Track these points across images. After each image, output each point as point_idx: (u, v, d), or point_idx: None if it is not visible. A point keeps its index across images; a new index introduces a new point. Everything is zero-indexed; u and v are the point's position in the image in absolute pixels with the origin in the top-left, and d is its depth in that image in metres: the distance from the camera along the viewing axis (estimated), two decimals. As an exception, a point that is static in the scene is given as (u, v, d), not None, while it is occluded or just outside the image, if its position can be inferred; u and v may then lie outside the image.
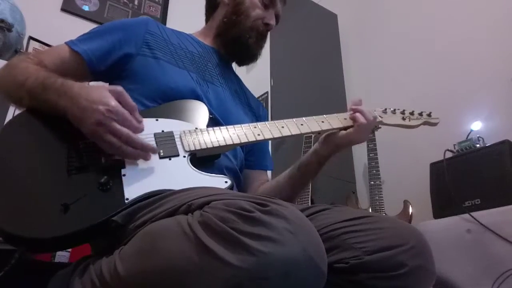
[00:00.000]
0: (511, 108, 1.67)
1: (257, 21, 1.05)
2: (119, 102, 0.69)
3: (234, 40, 1.05)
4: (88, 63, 0.85)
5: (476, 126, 1.67)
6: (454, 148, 1.61)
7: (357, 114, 0.90)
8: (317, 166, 0.95)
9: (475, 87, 1.84)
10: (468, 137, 1.60)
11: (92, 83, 0.84)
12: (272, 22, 1.07)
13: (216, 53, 1.07)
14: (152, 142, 0.74)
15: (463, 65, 1.94)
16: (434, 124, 1.02)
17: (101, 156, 0.68)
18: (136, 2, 2.58)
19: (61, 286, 0.62)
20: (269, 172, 1.19)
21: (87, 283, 0.58)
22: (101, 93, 0.69)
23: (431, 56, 2.12)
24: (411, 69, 2.22)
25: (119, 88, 0.72)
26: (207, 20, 1.15)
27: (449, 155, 1.59)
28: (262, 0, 1.06)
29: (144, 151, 0.70)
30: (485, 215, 1.32)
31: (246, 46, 1.05)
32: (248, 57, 1.09)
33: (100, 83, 0.89)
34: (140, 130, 0.72)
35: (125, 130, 0.67)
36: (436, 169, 1.61)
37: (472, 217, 1.33)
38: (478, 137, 1.57)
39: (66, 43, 0.87)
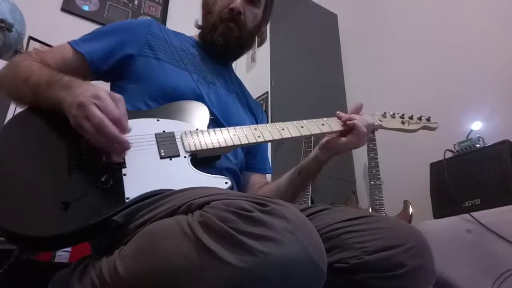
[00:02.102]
0: (511, 108, 1.67)
1: (223, 12, 1.00)
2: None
3: (206, 42, 1.04)
4: (90, 64, 0.86)
5: (476, 126, 1.67)
6: (454, 148, 1.61)
7: (356, 122, 0.89)
8: (317, 170, 0.96)
9: (475, 87, 1.84)
10: (468, 137, 1.60)
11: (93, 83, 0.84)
12: (235, 4, 0.99)
13: (215, 54, 1.07)
14: (153, 142, 0.75)
15: (463, 65, 1.93)
16: (433, 129, 1.03)
17: (102, 155, 0.68)
18: (136, 2, 2.59)
19: (61, 286, 0.62)
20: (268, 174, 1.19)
21: (87, 283, 0.58)
22: (99, 88, 0.69)
23: (431, 56, 2.12)
24: (411, 69, 2.22)
25: (119, 95, 0.71)
26: None
27: (449, 155, 1.59)
28: None
29: (115, 142, 0.65)
30: (485, 215, 1.32)
31: (213, 42, 1.01)
32: (227, 50, 1.04)
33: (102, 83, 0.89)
34: (122, 126, 0.67)
35: (99, 114, 0.64)
36: (436, 169, 1.61)
37: (472, 217, 1.33)
38: (478, 137, 1.56)
39: (68, 43, 0.87)
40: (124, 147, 0.67)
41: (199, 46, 1.06)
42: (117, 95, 0.71)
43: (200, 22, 1.09)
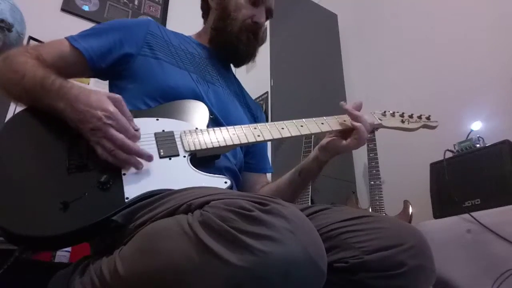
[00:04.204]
0: (511, 108, 1.66)
1: (246, 21, 1.02)
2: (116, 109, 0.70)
3: (225, 47, 1.04)
4: (88, 61, 0.85)
5: (476, 126, 1.67)
6: (454, 148, 1.61)
7: (359, 126, 0.88)
8: (317, 171, 0.96)
9: (475, 87, 1.84)
10: (468, 137, 1.60)
11: (91, 82, 0.84)
12: (261, 20, 1.03)
13: (214, 54, 1.07)
14: (152, 141, 0.75)
15: (463, 65, 1.93)
16: (433, 128, 1.02)
17: None
18: (136, 2, 2.58)
19: (61, 286, 0.62)
20: (268, 174, 1.19)
21: (87, 283, 0.58)
22: (99, 99, 0.69)
23: (431, 56, 2.12)
24: (411, 69, 2.22)
25: (117, 96, 0.72)
26: (204, 22, 1.15)
27: (449, 155, 1.59)
28: None
29: (138, 157, 0.69)
30: (485, 215, 1.31)
31: (237, 51, 1.03)
32: (242, 60, 1.07)
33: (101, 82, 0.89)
34: (137, 138, 0.71)
35: (120, 136, 0.67)
36: (436, 169, 1.61)
37: (472, 217, 1.33)
38: (478, 137, 1.56)
39: (66, 38, 0.86)
40: (148, 160, 0.70)
41: (198, 45, 1.06)
42: (117, 97, 0.71)
43: (212, 23, 1.07)
